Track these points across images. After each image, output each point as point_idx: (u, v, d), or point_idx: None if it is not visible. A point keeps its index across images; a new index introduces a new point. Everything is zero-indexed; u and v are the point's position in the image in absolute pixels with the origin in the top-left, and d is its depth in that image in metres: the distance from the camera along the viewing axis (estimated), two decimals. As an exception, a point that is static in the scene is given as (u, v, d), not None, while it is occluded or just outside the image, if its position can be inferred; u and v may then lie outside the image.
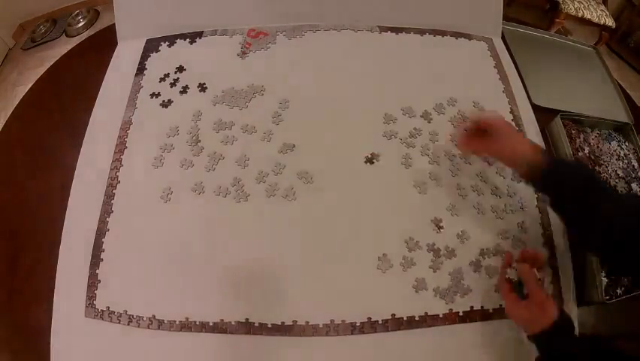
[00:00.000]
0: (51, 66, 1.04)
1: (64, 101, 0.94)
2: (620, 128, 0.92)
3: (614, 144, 0.89)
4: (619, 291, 0.75)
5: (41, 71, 1.03)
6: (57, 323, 0.68)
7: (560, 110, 0.87)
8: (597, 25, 2.14)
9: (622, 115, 0.95)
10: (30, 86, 1.00)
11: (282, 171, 0.77)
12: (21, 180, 0.84)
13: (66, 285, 0.71)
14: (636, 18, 2.40)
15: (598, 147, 0.87)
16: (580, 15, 2.07)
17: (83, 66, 1.00)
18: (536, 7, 2.47)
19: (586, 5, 2.10)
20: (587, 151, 0.86)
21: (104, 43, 0.98)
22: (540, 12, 2.45)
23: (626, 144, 0.90)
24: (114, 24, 0.97)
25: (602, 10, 2.14)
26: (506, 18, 1.01)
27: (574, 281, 0.74)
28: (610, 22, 2.13)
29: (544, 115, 0.89)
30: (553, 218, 0.78)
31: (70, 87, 0.96)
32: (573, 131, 0.87)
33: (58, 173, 0.81)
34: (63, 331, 0.68)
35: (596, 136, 0.89)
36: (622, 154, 0.88)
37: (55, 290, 0.70)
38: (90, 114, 0.86)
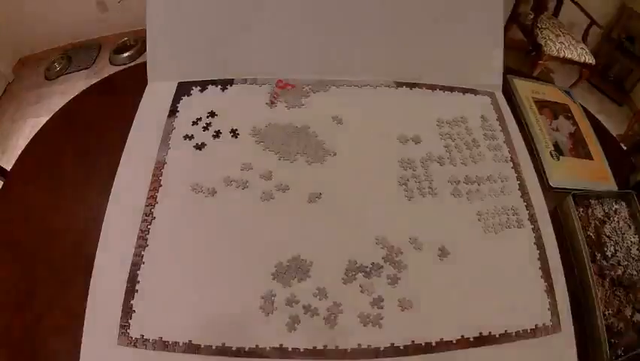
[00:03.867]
0: (66, 104, 1.17)
1: (79, 139, 1.07)
2: (623, 197, 1.08)
3: (616, 214, 1.06)
4: (619, 351, 0.88)
5: (39, 107, 1.17)
6: (87, 351, 0.78)
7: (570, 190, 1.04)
8: (577, 63, 2.43)
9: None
10: (28, 121, 1.13)
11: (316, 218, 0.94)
12: (37, 217, 0.95)
13: (98, 315, 0.81)
14: (614, 52, 2.73)
15: (603, 221, 1.04)
16: (562, 55, 2.37)
17: (94, 107, 1.14)
18: (518, 50, 2.79)
19: (567, 45, 2.40)
20: (592, 226, 1.02)
21: (117, 86, 1.17)
22: (522, 55, 2.77)
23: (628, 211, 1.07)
24: (122, 70, 1.13)
25: (581, 48, 2.46)
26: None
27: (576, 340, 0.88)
28: (590, 59, 2.44)
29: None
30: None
31: (85, 127, 1.10)
32: (581, 209, 1.03)
33: (75, 209, 0.93)
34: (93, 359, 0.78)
35: (600, 209, 1.06)
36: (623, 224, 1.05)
37: (86, 320, 0.80)
38: (106, 152, 0.99)
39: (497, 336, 0.86)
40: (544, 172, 1.11)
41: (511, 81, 1.30)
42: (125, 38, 2.76)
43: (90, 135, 1.06)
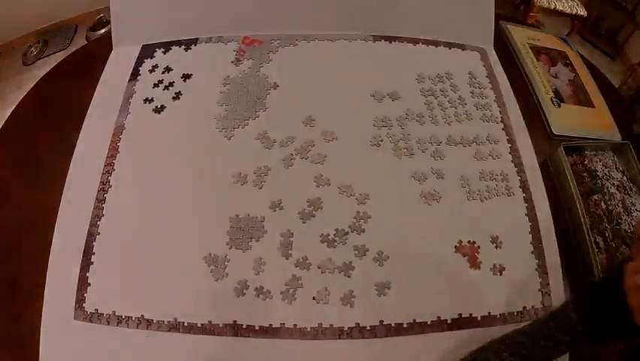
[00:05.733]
0: (36, 84, 1.11)
1: (53, 117, 1.02)
2: (618, 148, 1.00)
3: (610, 164, 0.97)
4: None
5: (21, 94, 1.09)
6: (46, 325, 0.74)
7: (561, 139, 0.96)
8: (569, 15, 2.37)
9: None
10: (11, 109, 1.06)
11: (278, 182, 0.85)
12: (15, 200, 0.90)
13: (56, 288, 0.77)
14: (607, 5, 2.64)
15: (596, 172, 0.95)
16: (552, 7, 2.31)
17: (69, 82, 1.08)
18: (508, 2, 2.69)
19: (558, -4, 2.33)
20: (587, 179, 0.93)
21: (89, 58, 1.08)
22: (512, 7, 2.66)
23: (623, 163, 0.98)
24: (95, 40, 1.05)
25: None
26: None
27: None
28: (582, 11, 2.37)
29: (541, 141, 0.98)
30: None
31: (58, 103, 1.04)
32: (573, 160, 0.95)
33: (54, 188, 0.86)
34: (52, 333, 0.74)
35: (594, 159, 0.97)
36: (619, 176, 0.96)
37: (45, 293, 0.76)
38: (79, 127, 0.93)
39: (479, 319, 0.76)
40: (546, 120, 1.01)
41: (505, 27, 1.20)
42: (101, 15, 2.62)
43: (64, 111, 1.01)
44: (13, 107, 1.06)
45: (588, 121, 1.05)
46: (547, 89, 1.07)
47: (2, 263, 0.83)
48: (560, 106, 1.05)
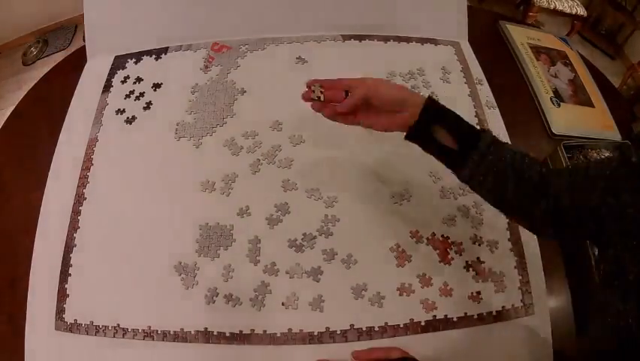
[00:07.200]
0: (36, 84, 1.14)
1: (53, 117, 1.01)
2: (618, 148, 0.97)
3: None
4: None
5: (21, 94, 1.12)
6: (30, 337, 0.76)
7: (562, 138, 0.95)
8: (569, 14, 2.37)
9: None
10: (11, 108, 1.09)
11: (246, 188, 0.85)
12: (15, 200, 0.92)
13: (38, 299, 0.79)
14: (607, 5, 2.65)
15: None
16: (552, 7, 2.30)
17: (68, 82, 1.07)
18: (508, 2, 2.75)
19: (558, -4, 2.33)
20: None
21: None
22: (512, 6, 2.69)
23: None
24: None
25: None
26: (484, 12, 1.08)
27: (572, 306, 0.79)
28: (581, 11, 2.36)
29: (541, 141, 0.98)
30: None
31: (58, 103, 1.04)
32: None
33: None
34: (36, 344, 0.76)
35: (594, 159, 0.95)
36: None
37: (28, 304, 0.78)
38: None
39: (455, 320, 0.75)
40: (546, 119, 1.01)
41: (504, 27, 1.19)
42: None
43: (64, 111, 1.01)
44: (13, 107, 1.08)
45: (588, 121, 1.04)
46: (547, 88, 1.06)
47: (2, 263, 0.85)
48: (559, 106, 1.04)
